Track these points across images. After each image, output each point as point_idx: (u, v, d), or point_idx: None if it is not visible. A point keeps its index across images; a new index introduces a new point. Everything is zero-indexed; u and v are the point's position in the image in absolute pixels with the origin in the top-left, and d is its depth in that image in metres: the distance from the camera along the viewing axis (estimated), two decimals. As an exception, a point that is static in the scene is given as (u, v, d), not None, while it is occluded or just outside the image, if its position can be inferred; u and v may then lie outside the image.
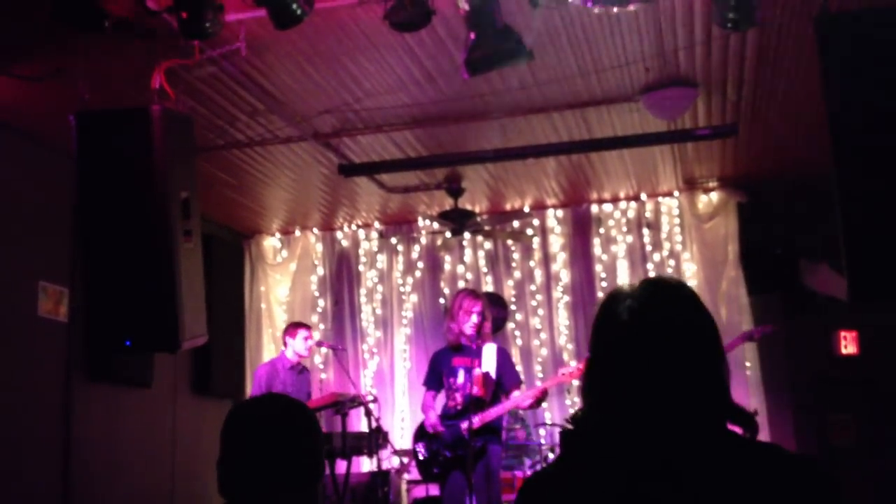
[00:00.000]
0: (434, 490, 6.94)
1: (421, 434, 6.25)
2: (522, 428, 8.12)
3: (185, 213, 4.70)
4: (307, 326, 7.76)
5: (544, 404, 8.65)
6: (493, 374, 6.06)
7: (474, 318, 6.06)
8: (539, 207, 8.99)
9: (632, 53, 5.65)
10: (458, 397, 6.06)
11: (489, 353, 6.12)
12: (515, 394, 6.10)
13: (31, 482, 6.36)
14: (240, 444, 2.14)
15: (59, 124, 5.21)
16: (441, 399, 6.33)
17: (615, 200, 8.86)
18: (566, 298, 8.90)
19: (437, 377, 6.30)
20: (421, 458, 6.21)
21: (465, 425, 5.85)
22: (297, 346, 7.54)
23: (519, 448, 7.99)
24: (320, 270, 9.52)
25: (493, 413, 5.95)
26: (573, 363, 7.17)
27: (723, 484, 1.45)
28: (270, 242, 9.64)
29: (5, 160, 6.35)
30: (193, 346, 4.88)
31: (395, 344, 9.28)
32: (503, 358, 6.22)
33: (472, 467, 5.76)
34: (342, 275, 9.50)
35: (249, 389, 8.82)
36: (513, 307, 9.03)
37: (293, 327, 7.70)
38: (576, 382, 8.59)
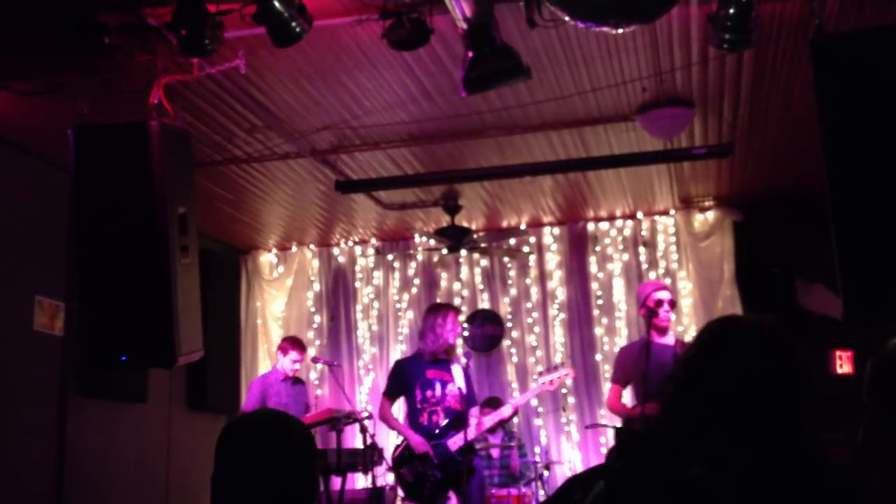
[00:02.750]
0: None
1: (402, 457, 6.21)
2: (517, 447, 8.10)
3: (183, 229, 4.70)
4: (301, 348, 7.79)
5: (539, 421, 8.69)
6: (464, 390, 6.18)
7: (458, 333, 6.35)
8: (535, 225, 9.01)
9: (629, 73, 5.68)
10: (441, 412, 6.10)
11: (458, 369, 6.26)
12: (506, 409, 6.27)
13: (25, 497, 6.32)
14: (234, 460, 2.14)
15: (57, 139, 5.22)
16: (399, 408, 6.46)
17: (611, 219, 8.88)
18: (562, 316, 8.90)
19: (401, 387, 6.37)
20: (409, 481, 6.16)
21: (453, 443, 5.91)
22: (286, 364, 7.70)
23: (511, 467, 7.96)
24: (316, 286, 9.52)
25: (487, 423, 6.04)
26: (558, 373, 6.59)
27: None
28: (267, 258, 9.63)
29: (3, 174, 6.36)
30: (189, 362, 4.87)
31: (391, 360, 9.23)
32: (468, 376, 6.40)
33: (467, 483, 5.77)
34: (338, 291, 9.50)
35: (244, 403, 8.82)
36: (508, 324, 9.03)
37: (288, 345, 7.74)
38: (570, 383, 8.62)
